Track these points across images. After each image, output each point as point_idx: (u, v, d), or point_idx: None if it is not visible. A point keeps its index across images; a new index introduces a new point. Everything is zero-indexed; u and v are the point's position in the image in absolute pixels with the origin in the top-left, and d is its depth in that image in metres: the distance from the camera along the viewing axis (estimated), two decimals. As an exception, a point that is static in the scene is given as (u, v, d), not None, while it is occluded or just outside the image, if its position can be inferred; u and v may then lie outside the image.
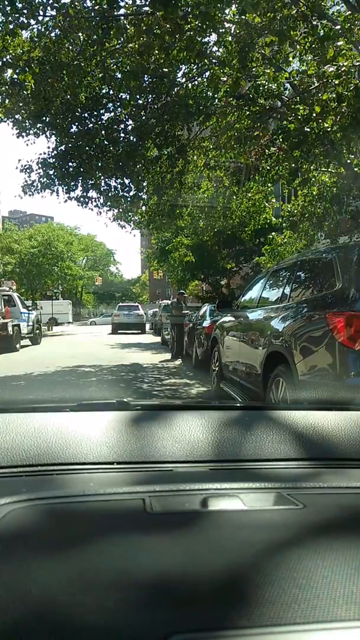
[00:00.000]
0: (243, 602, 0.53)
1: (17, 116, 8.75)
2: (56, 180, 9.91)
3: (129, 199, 10.54)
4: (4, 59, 7.75)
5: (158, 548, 0.64)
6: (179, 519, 0.73)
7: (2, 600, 0.53)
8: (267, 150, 8.40)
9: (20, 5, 7.09)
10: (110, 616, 0.51)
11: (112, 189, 10.36)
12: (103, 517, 0.74)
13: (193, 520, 0.72)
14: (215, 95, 9.11)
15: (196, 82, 9.35)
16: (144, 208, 12.55)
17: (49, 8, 7.32)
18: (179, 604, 0.53)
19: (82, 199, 10.37)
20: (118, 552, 0.63)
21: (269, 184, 10.81)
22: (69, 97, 8.51)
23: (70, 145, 9.65)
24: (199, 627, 0.50)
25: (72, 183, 10.03)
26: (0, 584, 0.56)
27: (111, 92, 9.46)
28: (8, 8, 7.05)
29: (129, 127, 9.64)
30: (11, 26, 7.14)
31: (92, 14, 7.68)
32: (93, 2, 7.77)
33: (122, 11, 7.67)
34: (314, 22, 6.98)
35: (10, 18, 7.20)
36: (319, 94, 7.03)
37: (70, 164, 9.75)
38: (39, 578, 0.57)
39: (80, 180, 10.05)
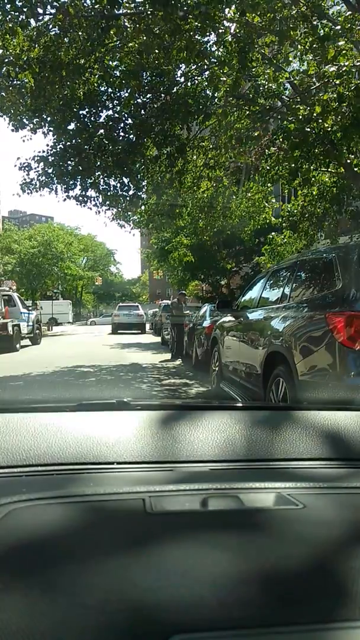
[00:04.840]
0: (243, 602, 0.53)
1: (12, 110, 8.71)
2: (55, 178, 9.90)
3: (128, 198, 10.53)
4: (6, 60, 7.74)
5: (158, 548, 0.64)
6: (179, 519, 0.73)
7: (3, 601, 0.53)
8: (267, 150, 8.40)
9: (20, 4, 7.08)
10: (110, 616, 0.51)
11: (111, 188, 10.36)
12: (103, 517, 0.73)
13: (193, 520, 0.72)
14: (215, 95, 9.11)
15: (196, 82, 9.35)
16: (143, 207, 12.54)
17: (48, 7, 7.32)
18: (179, 604, 0.53)
19: (81, 198, 10.36)
20: (118, 552, 0.63)
21: (269, 184, 10.81)
22: (66, 92, 8.50)
23: (69, 143, 9.64)
24: (199, 627, 0.50)
25: (71, 182, 10.02)
26: (0, 584, 0.56)
27: (110, 90, 9.46)
28: (8, 6, 7.04)
29: (128, 126, 9.63)
30: (11, 25, 7.13)
31: (92, 13, 7.68)
32: (93, 0, 7.77)
33: (122, 10, 7.67)
34: (314, 22, 6.99)
35: (9, 16, 7.19)
36: (320, 94, 7.03)
37: (69, 162, 9.74)
38: (39, 578, 0.57)
39: (79, 179, 10.05)
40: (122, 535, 0.67)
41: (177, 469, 0.99)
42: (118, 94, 9.58)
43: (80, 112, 9.48)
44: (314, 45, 6.96)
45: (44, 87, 8.01)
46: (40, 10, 7.36)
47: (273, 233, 13.32)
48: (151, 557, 0.61)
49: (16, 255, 44.67)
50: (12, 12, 7.14)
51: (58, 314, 42.38)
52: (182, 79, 9.44)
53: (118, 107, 9.66)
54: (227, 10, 7.54)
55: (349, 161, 8.01)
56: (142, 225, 14.01)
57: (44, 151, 9.88)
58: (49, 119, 9.28)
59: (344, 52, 6.77)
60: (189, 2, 7.04)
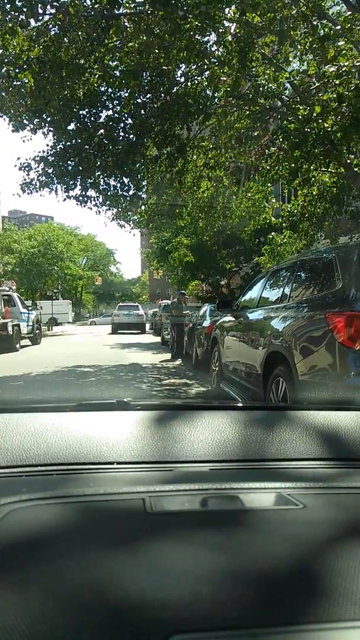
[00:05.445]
0: (243, 602, 0.53)
1: (12, 111, 8.71)
2: (55, 178, 9.90)
3: (128, 198, 10.54)
4: (6, 60, 7.74)
5: (158, 548, 0.64)
6: (179, 519, 0.73)
7: (2, 601, 0.53)
8: (267, 150, 8.40)
9: (20, 4, 7.08)
10: (110, 616, 0.51)
11: (111, 188, 10.36)
12: (103, 517, 0.73)
13: (193, 520, 0.72)
14: (215, 95, 9.11)
15: (196, 82, 9.35)
16: (143, 207, 12.54)
17: (48, 7, 7.31)
18: (179, 604, 0.53)
19: (81, 198, 10.36)
20: (118, 552, 0.63)
21: (269, 184, 10.82)
22: (66, 92, 8.51)
23: (69, 143, 9.64)
24: (199, 627, 0.50)
25: (71, 182, 10.02)
26: (0, 584, 0.56)
27: (110, 90, 9.46)
28: (8, 6, 7.03)
29: (128, 126, 9.63)
30: (11, 25, 7.12)
31: (92, 13, 7.68)
32: (93, 0, 7.77)
33: (122, 10, 7.67)
34: (314, 22, 6.99)
35: (9, 16, 7.18)
36: (320, 94, 7.04)
37: (69, 162, 9.74)
38: (38, 578, 0.57)
39: (79, 179, 10.05)
40: (122, 535, 0.67)
41: (177, 469, 0.99)
42: (118, 94, 9.59)
43: (80, 112, 9.48)
44: (314, 45, 6.97)
45: (43, 87, 8.01)
46: (40, 10, 7.35)
47: (273, 233, 13.33)
48: (151, 557, 0.61)
49: (16, 255, 44.69)
50: (12, 12, 7.14)
51: (58, 314, 42.38)
52: (182, 79, 9.44)
53: (118, 107, 9.67)
54: (227, 10, 7.55)
55: (349, 161, 8.02)
56: (142, 225, 14.02)
57: (44, 151, 9.89)
58: (49, 119, 9.28)
59: (344, 52, 6.78)
60: (189, 2, 7.04)
